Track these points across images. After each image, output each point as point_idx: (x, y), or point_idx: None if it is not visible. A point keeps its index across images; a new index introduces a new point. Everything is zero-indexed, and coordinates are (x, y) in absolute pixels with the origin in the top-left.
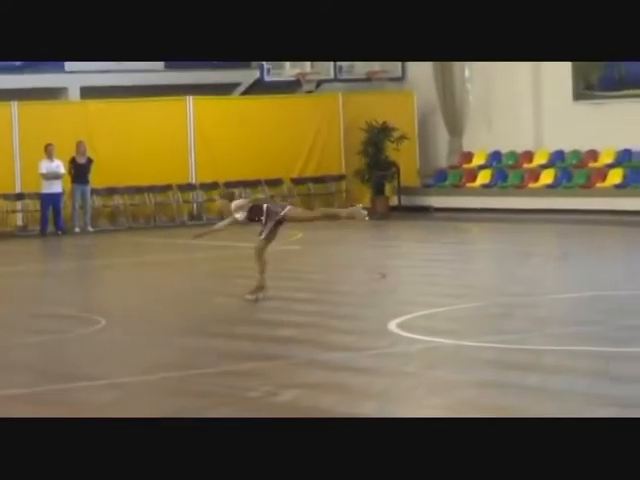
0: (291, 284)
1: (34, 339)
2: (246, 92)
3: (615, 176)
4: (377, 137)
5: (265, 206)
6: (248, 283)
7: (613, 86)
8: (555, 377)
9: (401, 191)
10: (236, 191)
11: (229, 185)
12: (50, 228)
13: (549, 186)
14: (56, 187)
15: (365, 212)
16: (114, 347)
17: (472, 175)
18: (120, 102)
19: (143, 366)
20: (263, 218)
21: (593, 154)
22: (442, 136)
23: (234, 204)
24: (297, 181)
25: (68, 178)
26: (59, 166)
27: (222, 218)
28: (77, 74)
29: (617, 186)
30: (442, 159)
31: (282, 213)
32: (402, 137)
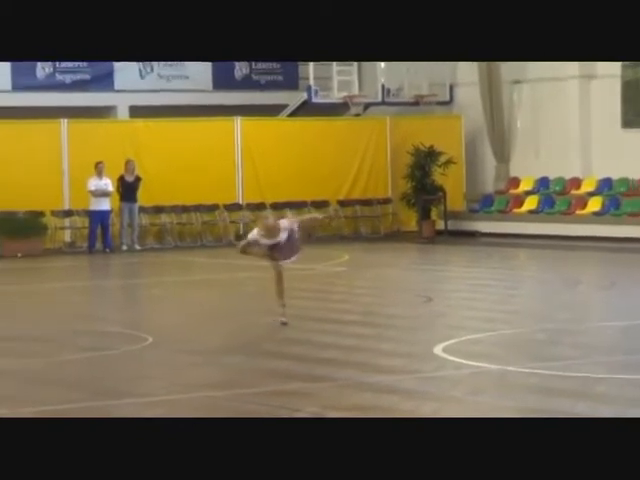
0: (338, 306)
1: (81, 355)
2: (293, 113)
3: None
4: (424, 161)
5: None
6: (294, 304)
7: None
8: (604, 406)
9: (447, 215)
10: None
11: (276, 206)
12: (98, 245)
13: (596, 213)
14: (104, 205)
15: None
16: (160, 364)
17: (519, 201)
18: (168, 121)
19: (189, 384)
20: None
21: None
22: (489, 161)
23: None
24: (343, 203)
25: (116, 196)
26: (107, 184)
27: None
28: (126, 93)
29: None
30: (489, 184)
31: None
32: (449, 161)
